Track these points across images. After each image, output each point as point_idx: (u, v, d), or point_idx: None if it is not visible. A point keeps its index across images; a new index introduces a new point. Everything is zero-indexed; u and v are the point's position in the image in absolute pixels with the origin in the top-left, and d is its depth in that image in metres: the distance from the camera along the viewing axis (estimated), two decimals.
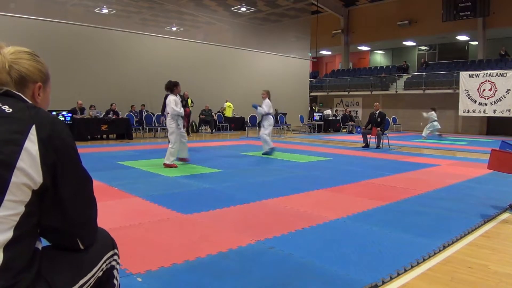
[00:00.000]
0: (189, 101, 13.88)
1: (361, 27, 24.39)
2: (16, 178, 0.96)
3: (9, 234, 0.95)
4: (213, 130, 15.86)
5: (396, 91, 21.28)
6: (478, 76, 17.50)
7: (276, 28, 22.49)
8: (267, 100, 8.35)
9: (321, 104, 24.26)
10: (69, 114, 11.36)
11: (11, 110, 1.04)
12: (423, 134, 14.43)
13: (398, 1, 22.45)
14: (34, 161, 0.99)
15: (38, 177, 1.00)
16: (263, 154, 8.22)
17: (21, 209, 0.98)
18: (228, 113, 17.09)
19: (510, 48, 20.07)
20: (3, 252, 0.94)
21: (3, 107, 1.04)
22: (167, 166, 6.32)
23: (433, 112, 14.54)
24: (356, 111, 22.57)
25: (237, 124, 17.28)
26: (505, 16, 18.64)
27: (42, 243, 1.11)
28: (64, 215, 1.08)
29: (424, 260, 2.60)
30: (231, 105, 17.24)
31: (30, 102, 1.13)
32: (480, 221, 3.53)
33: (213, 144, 10.72)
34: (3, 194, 0.95)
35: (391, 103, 21.23)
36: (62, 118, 10.84)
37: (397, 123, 19.51)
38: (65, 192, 1.06)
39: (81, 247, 1.15)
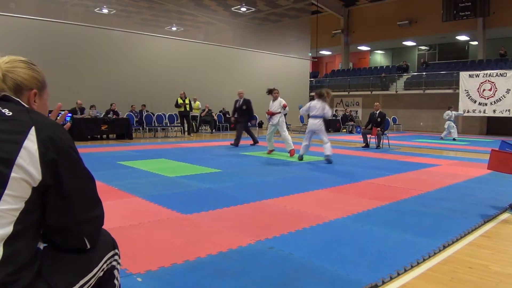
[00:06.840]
0: (187, 100, 13.81)
1: (361, 27, 24.39)
2: (16, 174, 0.99)
3: (9, 229, 0.97)
4: (213, 130, 15.87)
5: (396, 91, 21.29)
6: (478, 76, 17.50)
7: (276, 28, 22.49)
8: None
9: None
10: (69, 114, 11.36)
11: (11, 113, 1.07)
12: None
13: (398, 1, 22.44)
14: (33, 158, 1.02)
15: (37, 174, 1.02)
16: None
17: (21, 205, 1.00)
18: None
19: (510, 48, 20.07)
20: (3, 247, 0.96)
21: (3, 111, 1.07)
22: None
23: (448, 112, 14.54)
24: (356, 111, 22.57)
25: None
26: (505, 16, 18.64)
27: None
28: (70, 214, 1.10)
29: (424, 260, 2.60)
30: None
31: (28, 106, 1.17)
32: (480, 221, 3.52)
33: (213, 144, 10.72)
34: (3, 188, 0.97)
35: (391, 103, 21.23)
36: None
37: (397, 123, 19.52)
38: (69, 190, 1.08)
39: (88, 246, 1.17)
